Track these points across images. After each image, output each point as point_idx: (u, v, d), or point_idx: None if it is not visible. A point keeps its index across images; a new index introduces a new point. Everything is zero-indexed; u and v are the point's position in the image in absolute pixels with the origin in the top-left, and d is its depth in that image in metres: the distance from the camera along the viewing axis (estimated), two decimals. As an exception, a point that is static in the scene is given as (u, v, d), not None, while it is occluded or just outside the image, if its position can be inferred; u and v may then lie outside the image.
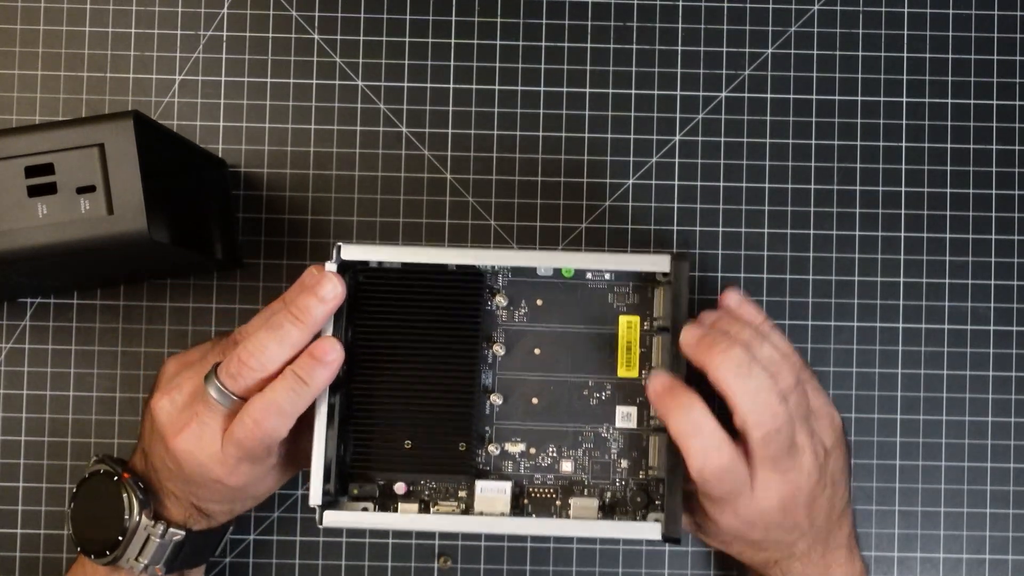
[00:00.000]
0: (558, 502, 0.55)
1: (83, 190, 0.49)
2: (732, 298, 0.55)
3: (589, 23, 0.64)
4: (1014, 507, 0.62)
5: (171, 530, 0.54)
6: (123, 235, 0.49)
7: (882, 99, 0.64)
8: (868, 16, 0.64)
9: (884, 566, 0.62)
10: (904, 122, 0.64)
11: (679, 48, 0.64)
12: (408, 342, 0.54)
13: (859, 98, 0.64)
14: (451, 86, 0.64)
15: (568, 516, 0.54)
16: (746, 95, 0.64)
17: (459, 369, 0.54)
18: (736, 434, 0.51)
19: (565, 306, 0.55)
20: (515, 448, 0.55)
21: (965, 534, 0.62)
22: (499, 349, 0.55)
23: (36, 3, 0.63)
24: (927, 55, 0.64)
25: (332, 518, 0.52)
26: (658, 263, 0.53)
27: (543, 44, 0.64)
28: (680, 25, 0.64)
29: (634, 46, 0.64)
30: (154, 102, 0.63)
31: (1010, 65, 0.64)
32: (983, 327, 0.63)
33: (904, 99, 0.64)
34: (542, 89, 0.64)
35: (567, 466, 0.55)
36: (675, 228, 0.63)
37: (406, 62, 0.64)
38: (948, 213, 0.63)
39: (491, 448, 0.55)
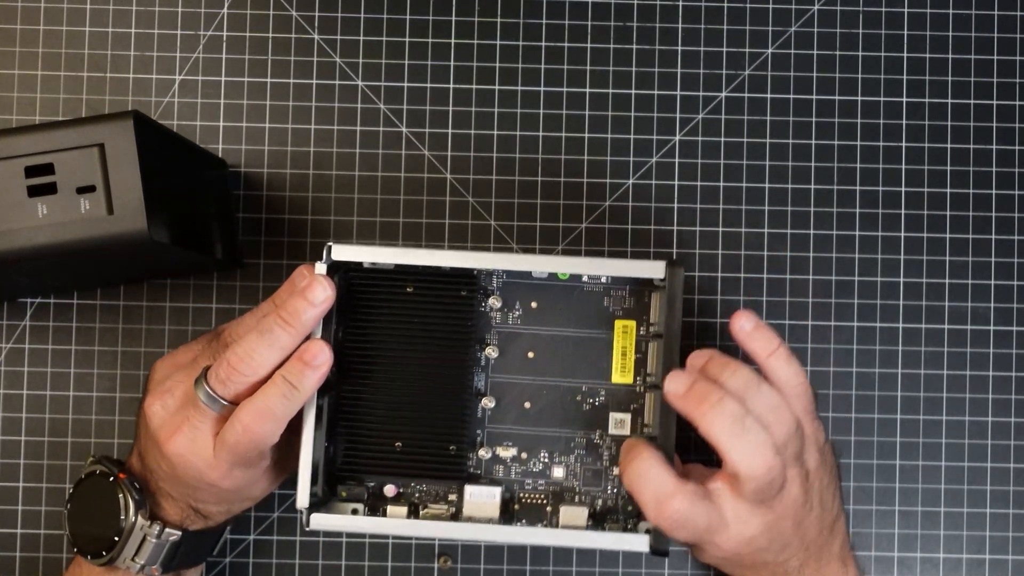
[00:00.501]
0: (548, 508, 0.54)
1: (83, 190, 0.49)
2: (744, 324, 0.51)
3: (589, 23, 0.64)
4: (1014, 507, 0.62)
5: (167, 530, 0.54)
6: (123, 235, 0.49)
7: (882, 99, 0.64)
8: (868, 16, 0.64)
9: (884, 566, 0.62)
10: (904, 122, 0.64)
11: (679, 48, 0.64)
12: (400, 343, 0.53)
13: (859, 98, 0.64)
14: (451, 86, 0.64)
15: (558, 525, 0.54)
16: (746, 95, 0.64)
17: (451, 371, 0.53)
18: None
19: (560, 309, 0.55)
20: (506, 452, 0.55)
21: (965, 534, 0.62)
22: (492, 352, 0.54)
23: (36, 3, 0.63)
24: (927, 55, 0.64)
25: (319, 521, 0.52)
26: (652, 270, 0.52)
27: (543, 44, 0.64)
28: (680, 25, 0.64)
29: (634, 46, 0.64)
30: (154, 102, 0.63)
31: (1010, 65, 0.64)
32: (983, 327, 0.63)
33: (904, 99, 0.64)
34: (542, 89, 0.64)
35: (558, 472, 0.54)
36: (675, 228, 0.63)
37: (406, 62, 0.64)
38: (948, 213, 0.63)
39: (482, 452, 0.55)
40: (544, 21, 0.64)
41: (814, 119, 0.63)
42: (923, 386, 0.63)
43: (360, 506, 0.54)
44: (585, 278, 0.55)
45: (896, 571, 0.62)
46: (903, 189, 0.63)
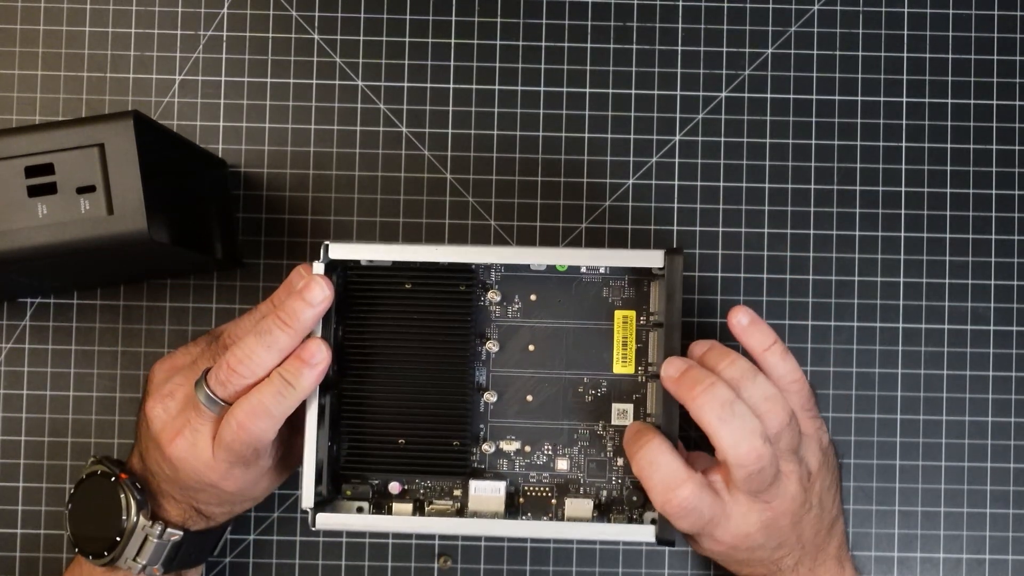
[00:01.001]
0: (553, 501, 0.55)
1: (83, 190, 0.49)
2: (741, 319, 0.52)
3: (589, 23, 0.64)
4: (1014, 507, 0.62)
5: (169, 530, 0.54)
6: (123, 235, 0.49)
7: (882, 99, 0.64)
8: (868, 16, 0.64)
9: (884, 566, 0.62)
10: (904, 122, 0.64)
11: (679, 48, 0.64)
12: (399, 340, 0.53)
13: (859, 98, 0.64)
14: (451, 86, 0.64)
15: (563, 517, 0.54)
16: (746, 95, 0.64)
17: (452, 366, 0.53)
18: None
19: (559, 301, 0.55)
20: (510, 446, 0.55)
21: (965, 534, 0.62)
22: (492, 346, 0.55)
23: (36, 3, 0.63)
24: (927, 55, 0.64)
25: (325, 520, 0.52)
26: (651, 259, 0.53)
27: (543, 44, 0.64)
28: (680, 25, 0.64)
29: (634, 46, 0.64)
30: (154, 102, 0.63)
31: (1010, 65, 0.64)
32: (983, 327, 0.63)
33: (904, 99, 0.64)
34: (542, 89, 0.64)
35: (562, 464, 0.55)
36: (675, 228, 0.63)
37: (406, 62, 0.64)
38: (948, 213, 0.63)
39: (485, 446, 0.55)
40: (544, 21, 0.64)
41: (814, 119, 0.63)
42: (923, 386, 0.63)
43: (365, 504, 0.54)
44: (584, 269, 0.55)
45: (896, 571, 0.62)
46: (903, 189, 0.63)
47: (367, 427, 0.53)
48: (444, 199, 0.63)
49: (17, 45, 0.63)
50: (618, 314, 0.55)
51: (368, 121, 0.63)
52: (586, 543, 0.62)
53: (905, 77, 0.64)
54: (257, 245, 0.63)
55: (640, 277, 0.55)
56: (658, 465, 0.49)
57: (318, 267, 0.52)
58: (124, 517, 0.54)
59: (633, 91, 0.64)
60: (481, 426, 0.55)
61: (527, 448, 0.55)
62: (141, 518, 0.54)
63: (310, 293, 0.51)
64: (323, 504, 0.53)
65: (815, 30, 0.64)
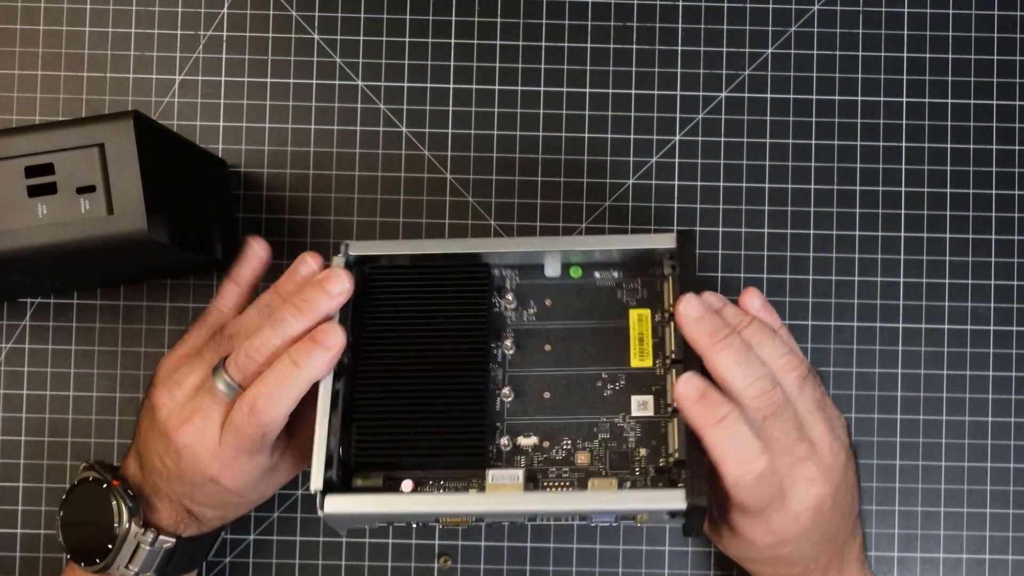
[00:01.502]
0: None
1: (83, 190, 0.49)
2: (753, 302, 0.53)
3: (589, 23, 0.64)
4: (1014, 507, 0.62)
5: (161, 538, 0.54)
6: (123, 235, 0.49)
7: (882, 99, 0.64)
8: (868, 16, 0.64)
9: (884, 566, 0.62)
10: (904, 122, 0.64)
11: (679, 48, 0.64)
12: (416, 337, 0.53)
13: (859, 98, 0.64)
14: (451, 86, 0.64)
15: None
16: (746, 95, 0.64)
17: (468, 361, 0.53)
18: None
19: (574, 305, 0.55)
20: (527, 441, 0.53)
21: (965, 534, 0.62)
22: (508, 346, 0.54)
23: (36, 3, 0.63)
24: (927, 55, 0.64)
25: (334, 504, 0.50)
26: (664, 241, 0.53)
27: (543, 44, 0.64)
28: (680, 25, 0.64)
29: (634, 46, 0.64)
30: (154, 102, 0.63)
31: (1010, 65, 0.64)
32: (983, 327, 0.63)
33: (904, 99, 0.64)
34: (542, 89, 0.64)
35: (583, 458, 0.53)
36: (675, 228, 0.63)
37: (406, 62, 0.64)
38: (948, 213, 0.63)
39: (503, 441, 0.53)
40: (544, 21, 0.64)
41: (814, 119, 0.63)
42: (923, 386, 0.63)
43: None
44: (597, 275, 0.55)
45: (896, 571, 0.62)
46: (903, 189, 0.63)
47: (381, 420, 0.52)
48: (444, 199, 0.63)
49: (17, 45, 0.63)
50: (633, 313, 0.54)
51: (368, 121, 0.63)
52: (586, 543, 0.62)
53: (905, 77, 0.64)
54: (257, 245, 0.63)
55: (653, 278, 0.55)
56: (740, 437, 0.48)
57: (338, 261, 0.52)
58: (116, 524, 0.53)
59: (633, 91, 0.64)
60: (498, 424, 0.54)
61: (545, 443, 0.53)
62: (133, 525, 0.54)
63: (330, 284, 0.50)
64: (331, 490, 0.52)
65: (815, 30, 0.64)
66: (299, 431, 0.54)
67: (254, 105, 0.63)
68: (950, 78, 0.64)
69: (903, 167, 0.63)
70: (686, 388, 0.48)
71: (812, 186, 0.63)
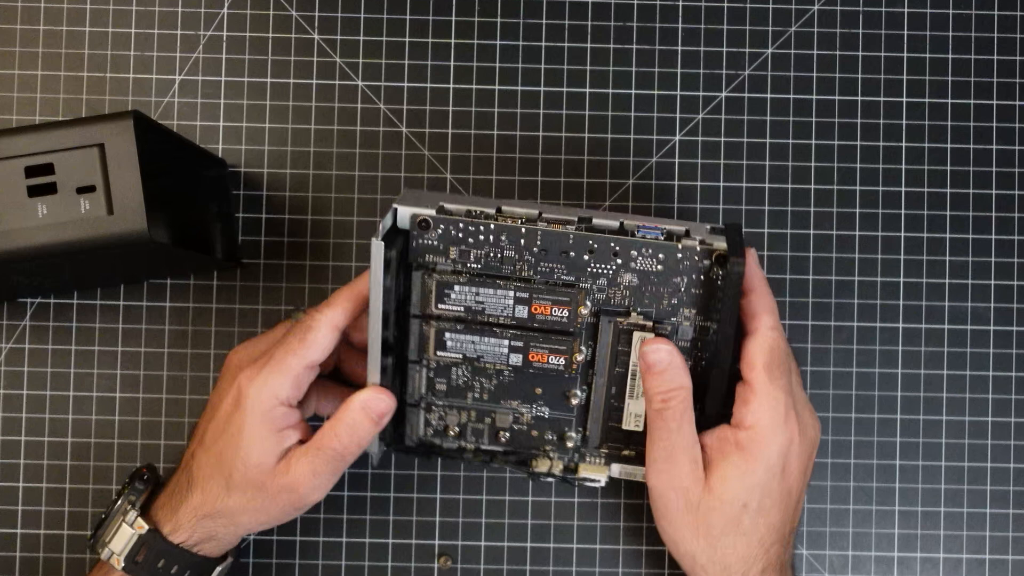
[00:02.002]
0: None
1: (83, 190, 0.49)
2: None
3: (589, 23, 0.64)
4: (1014, 507, 0.62)
5: (139, 520, 0.53)
6: (123, 235, 0.49)
7: (882, 99, 0.64)
8: (868, 16, 0.64)
9: (884, 566, 0.62)
10: (904, 122, 0.64)
11: (679, 48, 0.64)
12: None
13: (859, 98, 0.64)
14: (451, 86, 0.64)
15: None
16: (746, 95, 0.64)
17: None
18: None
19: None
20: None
21: (965, 534, 0.62)
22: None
23: (36, 3, 0.63)
24: (927, 55, 0.64)
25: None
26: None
27: (543, 44, 0.64)
28: (680, 25, 0.64)
29: (634, 46, 0.64)
30: (154, 102, 0.63)
31: (1010, 65, 0.64)
32: (983, 327, 0.63)
33: (904, 99, 0.64)
34: (542, 89, 0.64)
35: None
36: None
37: (406, 62, 0.64)
38: (948, 213, 0.63)
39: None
40: (544, 21, 0.64)
41: (814, 119, 0.63)
42: (923, 386, 0.63)
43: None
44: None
45: (896, 571, 0.62)
46: (903, 189, 0.63)
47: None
48: (444, 199, 0.63)
49: (17, 45, 0.63)
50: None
51: (368, 121, 0.63)
52: (586, 543, 0.62)
53: (905, 77, 0.64)
54: (257, 245, 0.63)
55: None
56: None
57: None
58: (114, 498, 0.54)
59: (633, 91, 0.64)
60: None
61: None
62: (127, 504, 0.54)
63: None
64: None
65: (815, 30, 0.64)
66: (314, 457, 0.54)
67: (254, 105, 0.63)
68: (950, 78, 0.64)
69: (903, 167, 0.63)
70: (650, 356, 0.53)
71: (812, 186, 0.63)
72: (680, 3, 0.64)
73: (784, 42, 0.64)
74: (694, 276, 0.53)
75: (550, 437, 0.57)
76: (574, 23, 0.64)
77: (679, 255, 0.52)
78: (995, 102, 0.64)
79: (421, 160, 0.63)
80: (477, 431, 0.58)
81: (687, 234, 0.53)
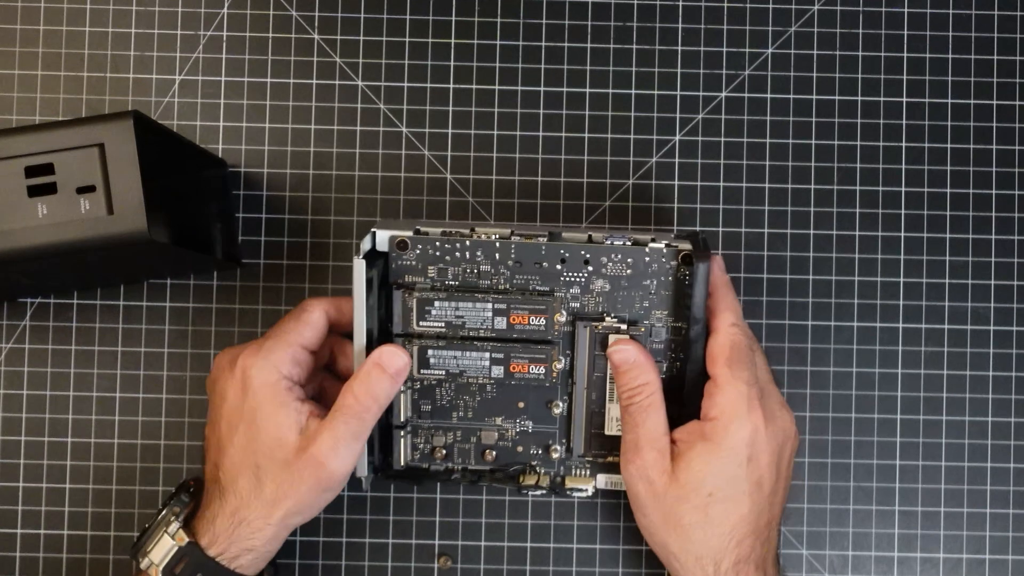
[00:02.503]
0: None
1: (83, 190, 0.49)
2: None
3: (589, 23, 0.64)
4: (1014, 507, 0.62)
5: (180, 532, 0.54)
6: (123, 235, 0.49)
7: (882, 99, 0.64)
8: (868, 16, 0.64)
9: (884, 566, 0.62)
10: (904, 122, 0.64)
11: (679, 48, 0.64)
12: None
13: (859, 98, 0.64)
14: (451, 86, 0.64)
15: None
16: (746, 95, 0.64)
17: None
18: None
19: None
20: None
21: (965, 534, 0.62)
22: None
23: (36, 3, 0.63)
24: (927, 55, 0.64)
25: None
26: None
27: (543, 44, 0.64)
28: (680, 25, 0.64)
29: (634, 46, 0.64)
30: (154, 102, 0.63)
31: (1010, 65, 0.64)
32: (983, 327, 0.63)
33: (904, 99, 0.64)
34: (542, 89, 0.64)
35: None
36: (675, 228, 0.63)
37: (406, 62, 0.64)
38: (948, 213, 0.63)
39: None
40: (544, 21, 0.64)
41: (814, 119, 0.63)
42: (923, 386, 0.63)
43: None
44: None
45: (896, 571, 0.62)
46: (903, 189, 0.63)
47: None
48: (444, 199, 0.63)
49: (17, 45, 0.63)
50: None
51: (368, 121, 0.63)
52: (585, 543, 0.62)
53: (905, 77, 0.64)
54: (257, 245, 0.63)
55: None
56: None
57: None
58: (159, 508, 0.55)
59: (633, 91, 0.64)
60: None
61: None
62: (171, 515, 0.54)
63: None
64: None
65: (815, 30, 0.64)
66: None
67: (254, 105, 0.63)
68: (950, 78, 0.64)
69: (903, 167, 0.63)
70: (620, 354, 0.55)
71: (812, 186, 0.63)
72: (680, 3, 0.64)
73: (784, 42, 0.64)
74: (663, 278, 0.55)
75: (535, 451, 0.58)
76: (574, 23, 0.64)
77: (647, 258, 0.55)
78: (995, 102, 0.64)
79: (421, 160, 0.63)
80: (463, 451, 0.58)
81: (653, 240, 0.55)
